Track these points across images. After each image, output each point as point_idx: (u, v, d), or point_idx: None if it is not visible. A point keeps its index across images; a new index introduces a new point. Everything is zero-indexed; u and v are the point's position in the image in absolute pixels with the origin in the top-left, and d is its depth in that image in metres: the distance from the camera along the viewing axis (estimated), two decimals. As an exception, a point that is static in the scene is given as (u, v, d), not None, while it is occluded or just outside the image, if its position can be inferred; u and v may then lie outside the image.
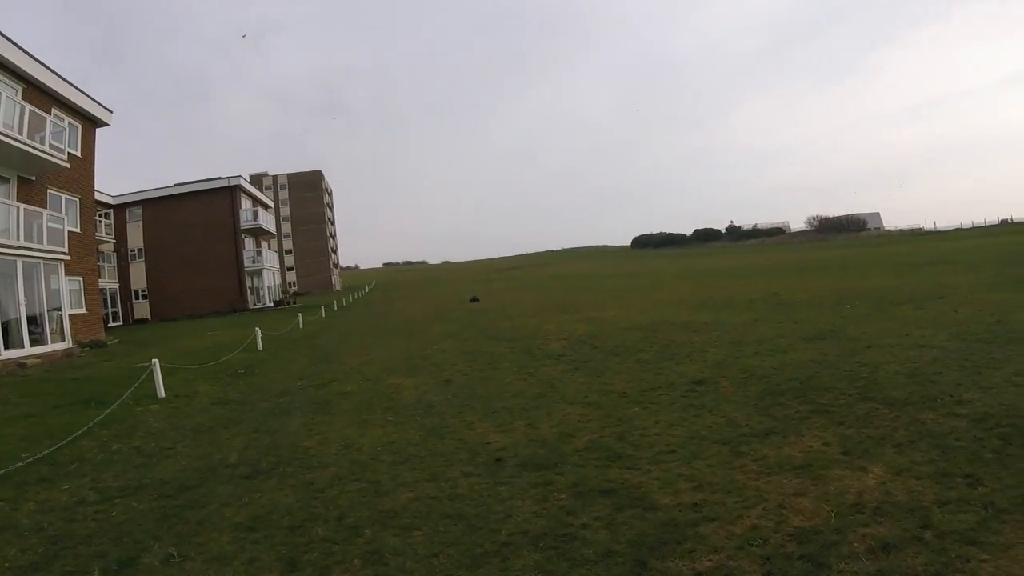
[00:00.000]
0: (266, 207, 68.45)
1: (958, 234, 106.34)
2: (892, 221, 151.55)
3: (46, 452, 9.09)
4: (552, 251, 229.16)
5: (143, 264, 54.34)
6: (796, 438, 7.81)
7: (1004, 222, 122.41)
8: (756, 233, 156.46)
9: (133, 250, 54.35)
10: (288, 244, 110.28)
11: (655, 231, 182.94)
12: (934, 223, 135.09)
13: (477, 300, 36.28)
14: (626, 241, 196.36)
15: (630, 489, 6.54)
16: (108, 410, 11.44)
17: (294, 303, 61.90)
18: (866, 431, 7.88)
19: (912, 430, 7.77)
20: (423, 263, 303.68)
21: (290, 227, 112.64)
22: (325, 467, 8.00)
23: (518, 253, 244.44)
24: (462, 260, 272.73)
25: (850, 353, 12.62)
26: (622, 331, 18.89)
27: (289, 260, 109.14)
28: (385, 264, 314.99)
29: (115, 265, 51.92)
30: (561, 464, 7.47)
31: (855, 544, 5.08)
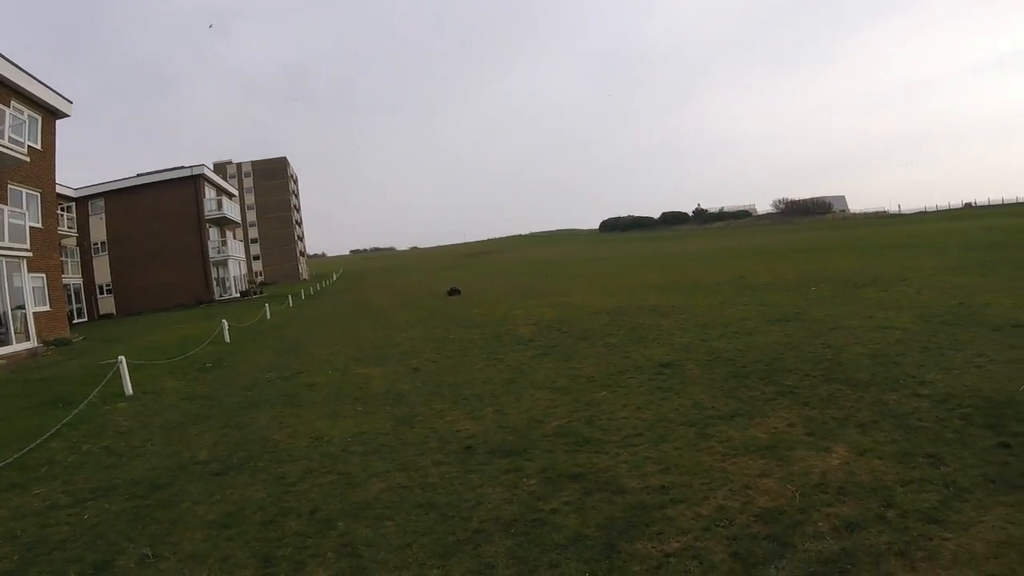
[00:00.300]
0: (231, 196, 67.35)
1: (922, 217, 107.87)
2: (857, 204, 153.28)
3: (15, 456, 8.95)
4: (521, 235, 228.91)
5: (107, 258, 53.31)
6: (761, 420, 7.95)
7: (968, 206, 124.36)
8: (723, 216, 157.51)
9: (96, 243, 53.13)
10: (253, 233, 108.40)
11: (623, 214, 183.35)
12: (898, 206, 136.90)
13: (458, 292, 32.74)
14: (594, 225, 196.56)
15: (599, 473, 6.64)
16: (76, 410, 11.30)
17: (261, 293, 61.20)
18: (830, 412, 8.05)
19: (875, 411, 7.96)
20: (391, 249, 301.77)
21: (255, 215, 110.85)
22: (296, 460, 7.99)
23: (487, 238, 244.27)
24: (430, 246, 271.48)
25: (814, 335, 12.82)
26: (590, 315, 18.99)
27: (255, 249, 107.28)
28: (352, 251, 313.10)
29: (78, 260, 50.76)
30: (530, 450, 7.55)
31: (819, 524, 5.20)
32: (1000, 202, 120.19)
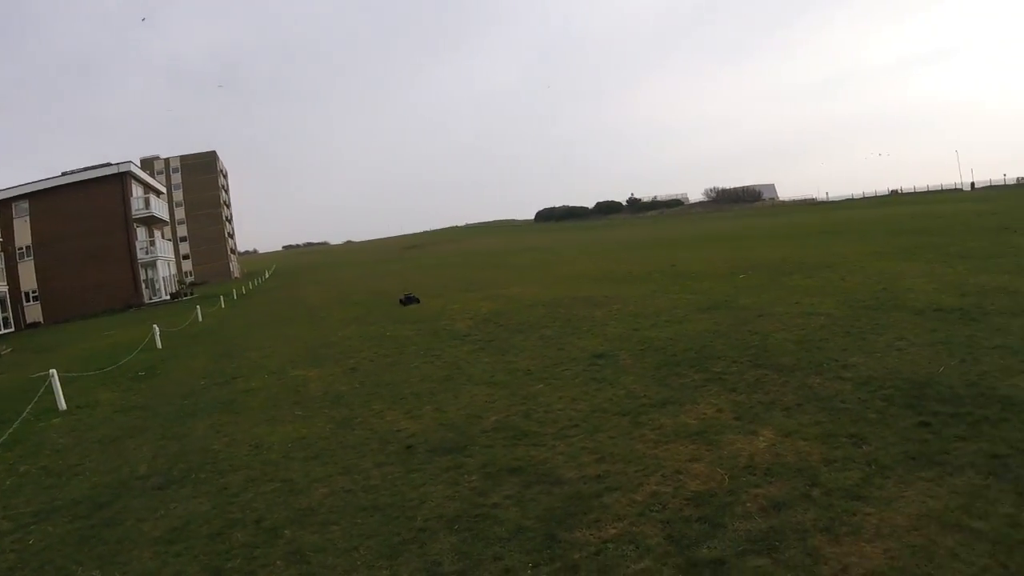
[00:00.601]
0: (159, 193, 65.29)
1: (849, 204, 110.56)
2: (787, 192, 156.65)
3: (-47, 483, 8.72)
4: (456, 227, 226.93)
5: (32, 263, 51.09)
6: (691, 406, 8.29)
7: (894, 192, 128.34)
8: (656, 205, 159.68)
9: (21, 248, 50.71)
10: (182, 231, 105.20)
11: (558, 204, 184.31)
12: (826, 194, 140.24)
13: (415, 300, 24.86)
14: (530, 215, 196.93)
15: (537, 465, 6.85)
16: (10, 429, 11.01)
17: (192, 294, 59.63)
18: (757, 396, 8.43)
19: (800, 394, 8.36)
20: (324, 244, 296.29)
21: (184, 213, 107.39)
22: (237, 470, 7.97)
23: (422, 230, 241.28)
24: (365, 239, 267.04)
25: (742, 322, 13.25)
26: (526, 308, 19.13)
27: (184, 248, 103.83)
28: (285, 247, 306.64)
29: (3, 266, 48.52)
30: (470, 446, 7.72)
31: (748, 504, 5.51)
32: (925, 189, 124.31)
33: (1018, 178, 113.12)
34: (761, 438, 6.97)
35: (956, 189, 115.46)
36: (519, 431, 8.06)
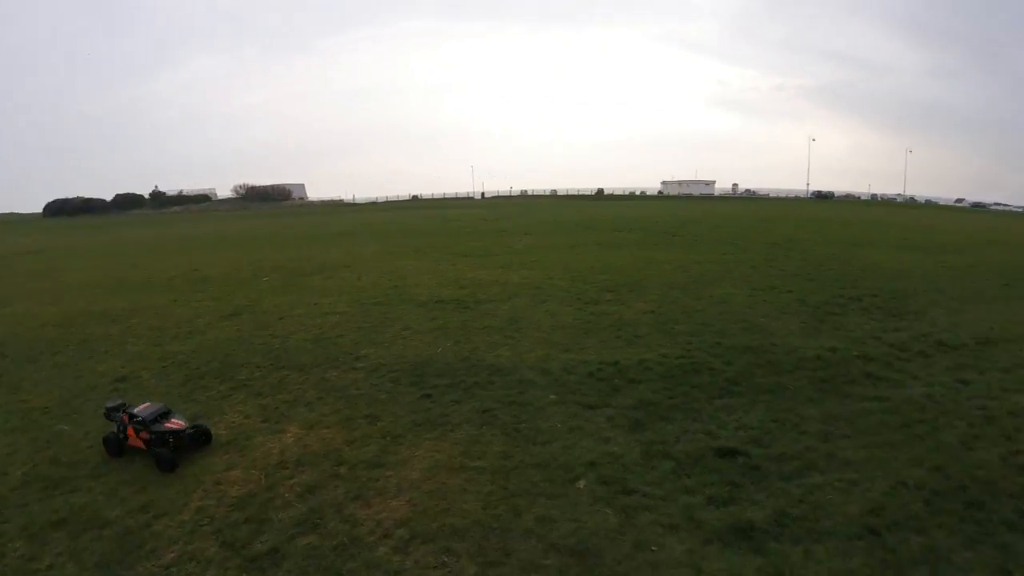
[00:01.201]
0: None
1: (373, 207, 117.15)
2: (317, 192, 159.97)
3: None
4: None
5: None
6: (220, 417, 8.88)
7: (415, 198, 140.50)
8: (182, 200, 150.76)
9: None
10: None
11: (72, 195, 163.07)
12: (353, 196, 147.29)
13: (197, 436, 9.09)
14: (38, 208, 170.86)
15: (79, 512, 6.77)
16: None
17: None
18: (281, 397, 9.44)
19: (320, 388, 9.65)
20: None
21: None
22: None
23: None
24: None
25: (264, 327, 14.00)
26: (34, 330, 16.50)
27: None
28: None
29: None
30: (2, 509, 7.06)
31: (286, 495, 6.54)
32: (442, 196, 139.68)
33: (522, 191, 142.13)
34: (289, 434, 8.03)
35: (469, 197, 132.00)
36: (49, 480, 7.61)
